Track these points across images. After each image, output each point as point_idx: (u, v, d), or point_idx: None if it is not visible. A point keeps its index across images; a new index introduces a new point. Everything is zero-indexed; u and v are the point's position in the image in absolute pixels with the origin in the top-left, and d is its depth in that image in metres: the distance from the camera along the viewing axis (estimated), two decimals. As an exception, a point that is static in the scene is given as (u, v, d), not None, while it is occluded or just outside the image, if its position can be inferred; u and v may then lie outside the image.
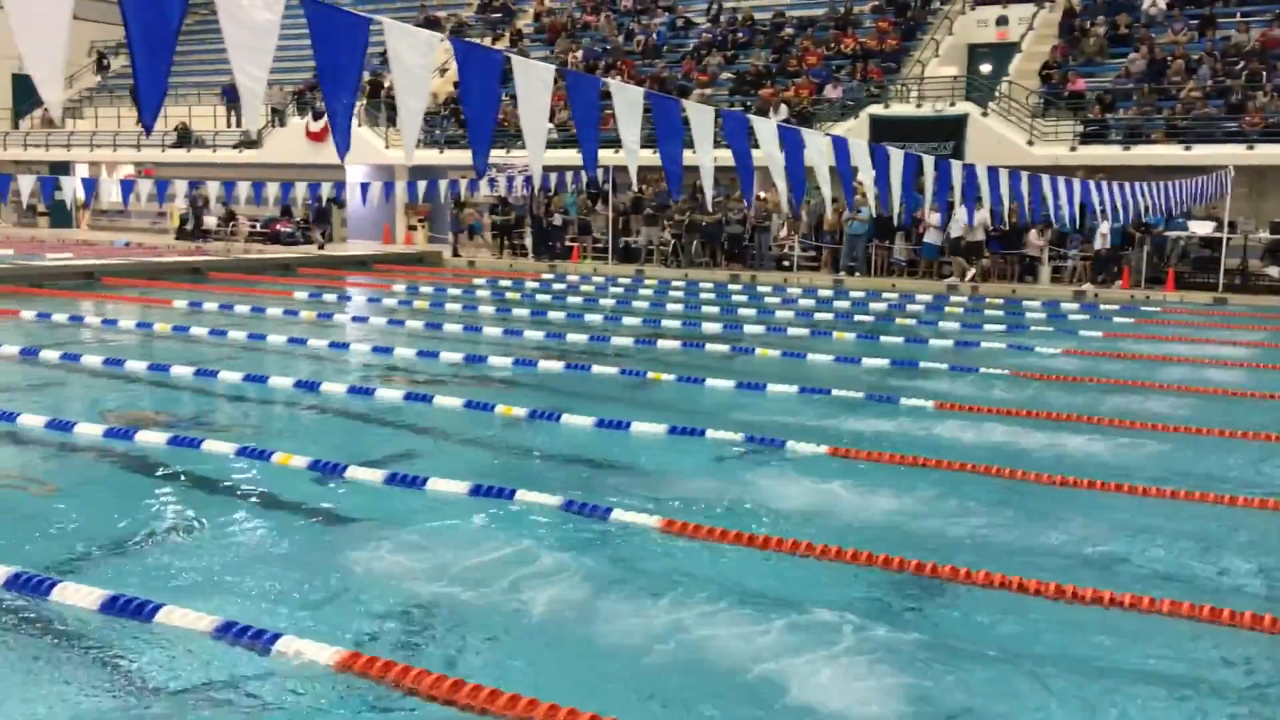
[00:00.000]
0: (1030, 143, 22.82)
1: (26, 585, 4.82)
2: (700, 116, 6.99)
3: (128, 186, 26.97)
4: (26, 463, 7.47)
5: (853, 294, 19.85)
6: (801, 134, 8.71)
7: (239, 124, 33.18)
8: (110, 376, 10.52)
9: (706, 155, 7.13)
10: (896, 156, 9.91)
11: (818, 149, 8.94)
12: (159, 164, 33.19)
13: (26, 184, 23.21)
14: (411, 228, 30.84)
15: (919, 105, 24.07)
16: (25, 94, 39.06)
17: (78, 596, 4.69)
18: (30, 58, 3.23)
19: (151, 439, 7.69)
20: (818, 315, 16.64)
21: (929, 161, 10.79)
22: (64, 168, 33.81)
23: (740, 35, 29.76)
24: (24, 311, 14.59)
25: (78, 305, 16.03)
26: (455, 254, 27.53)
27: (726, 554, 5.74)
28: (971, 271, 21.49)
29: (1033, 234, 21.04)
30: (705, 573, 5.48)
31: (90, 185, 26.64)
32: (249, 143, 31.48)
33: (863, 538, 5.93)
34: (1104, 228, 20.16)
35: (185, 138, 33.26)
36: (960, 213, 20.76)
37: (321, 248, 28.68)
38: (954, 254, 21.85)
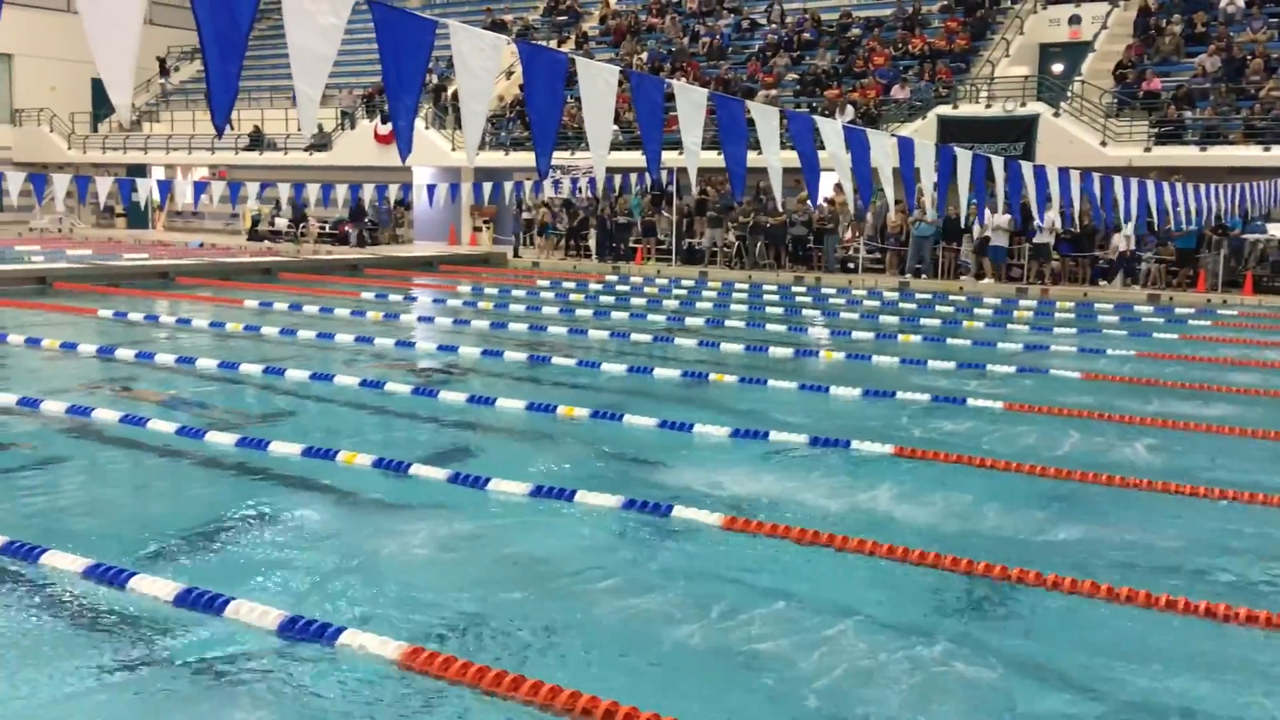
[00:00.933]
0: (1103, 143, 22.39)
1: (104, 576, 4.94)
2: (765, 118, 6.96)
3: (201, 188, 27.61)
4: (101, 458, 7.65)
5: (919, 296, 19.63)
6: (867, 135, 8.64)
7: (300, 128, 33.67)
8: (183, 374, 10.75)
9: (773, 156, 7.10)
10: (964, 158, 9.79)
11: (883, 150, 8.86)
12: (232, 166, 33.88)
13: (104, 186, 23.83)
14: (477, 229, 31.12)
15: (988, 106, 23.73)
16: (104, 99, 40.12)
17: (153, 588, 4.79)
18: (103, 64, 3.32)
19: (221, 438, 7.84)
20: (883, 318, 16.47)
21: (998, 163, 10.63)
22: (141, 170, 34.64)
23: (806, 36, 29.58)
24: (101, 310, 14.97)
25: (153, 304, 16.41)
26: (517, 254, 27.71)
27: (789, 552, 5.70)
28: (988, 276, 21.62)
29: (1118, 236, 20.61)
30: (768, 571, 5.46)
31: (165, 187, 27.28)
32: (319, 145, 31.99)
33: (930, 538, 5.87)
34: (1127, 229, 19.76)
35: (257, 140, 33.90)
36: (986, 214, 20.92)
37: (362, 244, 29.08)
38: (976, 253, 21.88)
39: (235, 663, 4.26)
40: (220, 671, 4.19)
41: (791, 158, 8.19)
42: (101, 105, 40.35)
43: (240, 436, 7.84)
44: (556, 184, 26.86)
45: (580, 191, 27.36)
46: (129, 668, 4.22)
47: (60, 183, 22.08)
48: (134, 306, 15.64)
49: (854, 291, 20.63)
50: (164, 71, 40.44)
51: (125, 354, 11.46)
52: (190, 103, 38.28)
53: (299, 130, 32.72)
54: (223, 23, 3.63)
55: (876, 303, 18.40)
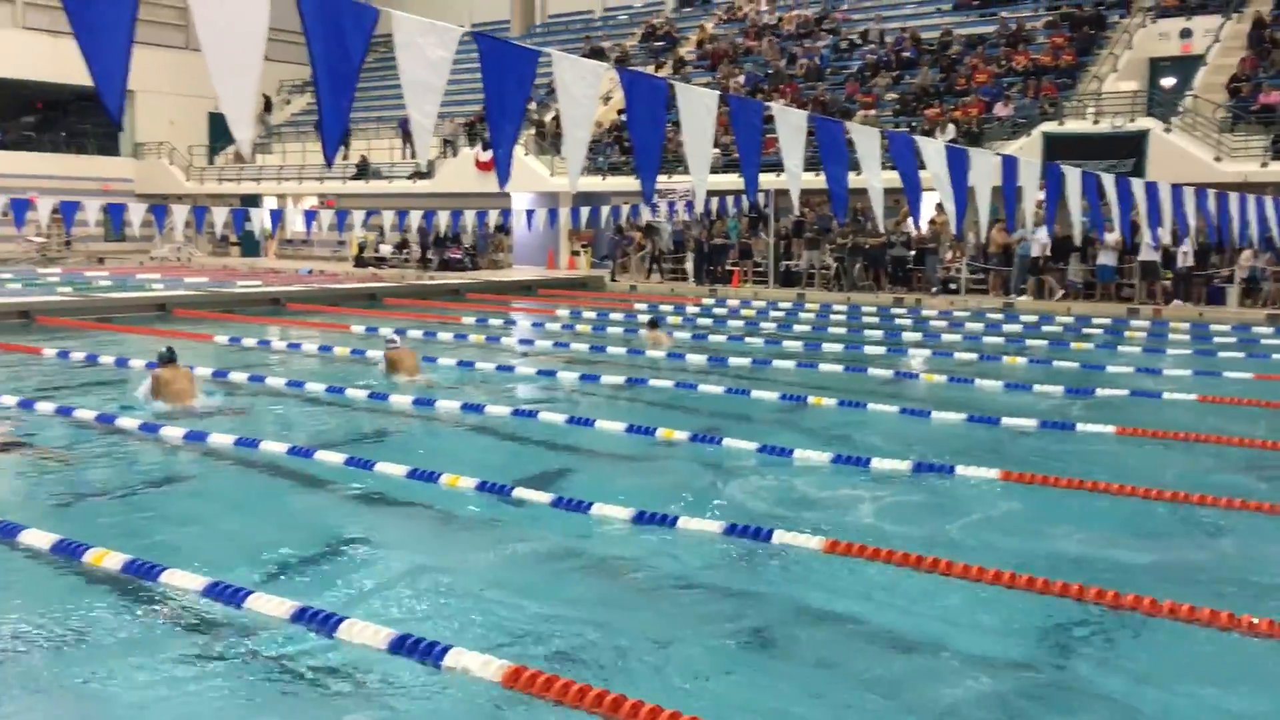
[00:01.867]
0: (1218, 159, 21.65)
1: (222, 594, 5.10)
2: (865, 138, 6.91)
3: (310, 217, 28.45)
4: (217, 479, 7.91)
5: (1024, 318, 19.19)
6: (968, 154, 8.51)
7: (413, 155, 34.55)
8: (293, 396, 11.06)
9: (874, 177, 7.05)
10: (1073, 175, 9.57)
11: (985, 169, 8.72)
12: (339, 195, 34.86)
13: (220, 216, 24.76)
14: (575, 253, 31.44)
15: (1096, 122, 23.17)
16: (220, 132, 41.72)
17: (269, 606, 4.93)
18: (225, 100, 3.47)
19: (330, 458, 8.04)
20: (987, 339, 16.15)
21: (1109, 180, 10.37)
22: (254, 200, 35.88)
23: (906, 55, 29.30)
24: (217, 336, 15.51)
25: (265, 329, 16.94)
26: (614, 278, 27.91)
27: (892, 577, 5.61)
28: (1061, 292, 21.36)
29: (1246, 254, 19.90)
30: (870, 596, 5.39)
31: (277, 216, 28.20)
32: (422, 173, 32.72)
33: (1039, 564, 5.72)
34: (1185, 245, 19.19)
35: (364, 170, 34.82)
36: (1041, 232, 21.06)
37: (426, 266, 29.67)
38: (1034, 273, 21.63)
39: (347, 680, 4.36)
40: (333, 688, 4.29)
41: (892, 178, 8.11)
42: (218, 138, 41.96)
43: (348, 457, 8.03)
44: (654, 207, 27.01)
45: (678, 215, 27.47)
46: (246, 682, 4.35)
47: (179, 213, 23.02)
48: (247, 332, 16.17)
49: (956, 313, 20.28)
50: (268, 108, 41.84)
51: (239, 377, 11.85)
52: (300, 134, 39.56)
53: (412, 158, 33.67)
54: (335, 58, 3.76)
55: (980, 324, 18.05)
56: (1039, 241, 21.05)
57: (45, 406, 9.86)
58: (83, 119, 41.34)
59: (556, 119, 30.81)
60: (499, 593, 5.43)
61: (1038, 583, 5.38)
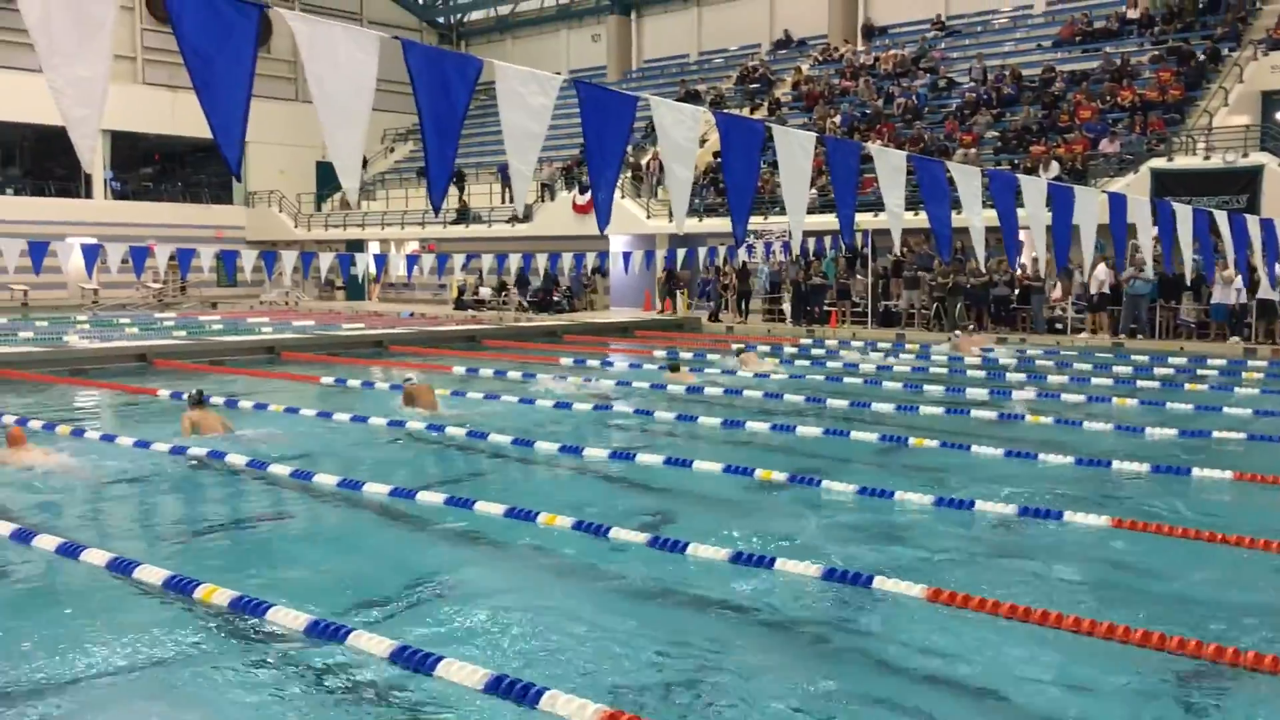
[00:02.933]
0: (1337, 193, 20.84)
1: (324, 632, 5.19)
2: (966, 177, 6.82)
3: (412, 261, 29.11)
4: (321, 518, 8.08)
5: (1135, 358, 18.62)
6: (1073, 191, 8.33)
7: (512, 200, 35.19)
8: (394, 438, 11.27)
9: (976, 216, 6.95)
10: (1184, 212, 9.30)
11: (1090, 206, 8.52)
12: (440, 240, 35.63)
13: (326, 261, 25.50)
14: (671, 295, 31.55)
15: (1207, 157, 22.51)
16: (326, 180, 43.09)
17: (369, 644, 5.00)
18: (334, 150, 3.58)
19: (431, 498, 8.15)
20: (1095, 380, 15.69)
21: (1221, 217, 10.04)
22: (358, 245, 36.88)
23: (1007, 92, 28.91)
24: (323, 377, 15.91)
25: (368, 371, 17.33)
26: (715, 318, 27.90)
27: (997, 628, 5.45)
28: (1100, 331, 21.30)
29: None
30: (973, 647, 5.23)
31: (381, 261, 28.94)
32: (520, 217, 33.28)
33: (1150, 616, 5.50)
34: (1238, 281, 18.48)
35: (464, 214, 35.56)
36: (1100, 268, 21.13)
37: (522, 309, 30.04)
38: (1092, 310, 21.77)
39: (442, 718, 4.38)
40: (429, 728, 4.32)
41: (995, 216, 7.98)
42: (324, 186, 43.33)
43: (448, 496, 8.13)
44: (750, 249, 27.02)
45: (774, 255, 27.42)
46: (344, 718, 4.41)
47: (288, 259, 23.78)
48: (352, 374, 16.56)
49: (1063, 353, 19.77)
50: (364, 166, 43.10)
51: (342, 418, 12.12)
52: (403, 181, 40.62)
53: (509, 203, 34.33)
54: (440, 108, 3.86)
55: (1088, 365, 17.56)
56: (1098, 279, 21.30)
57: (160, 446, 10.20)
58: (198, 170, 43.13)
59: (653, 162, 31.14)
60: (594, 633, 5.41)
61: (1153, 638, 5.16)
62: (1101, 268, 21.60)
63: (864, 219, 18.46)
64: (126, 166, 41.15)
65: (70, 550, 6.62)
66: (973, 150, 25.98)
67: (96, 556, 6.46)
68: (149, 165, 42.76)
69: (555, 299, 31.35)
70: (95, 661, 5.03)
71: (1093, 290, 22.20)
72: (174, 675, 4.87)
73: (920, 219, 7.80)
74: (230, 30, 3.72)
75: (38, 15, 3.52)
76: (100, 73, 3.59)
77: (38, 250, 19.41)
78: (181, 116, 38.30)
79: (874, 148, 6.31)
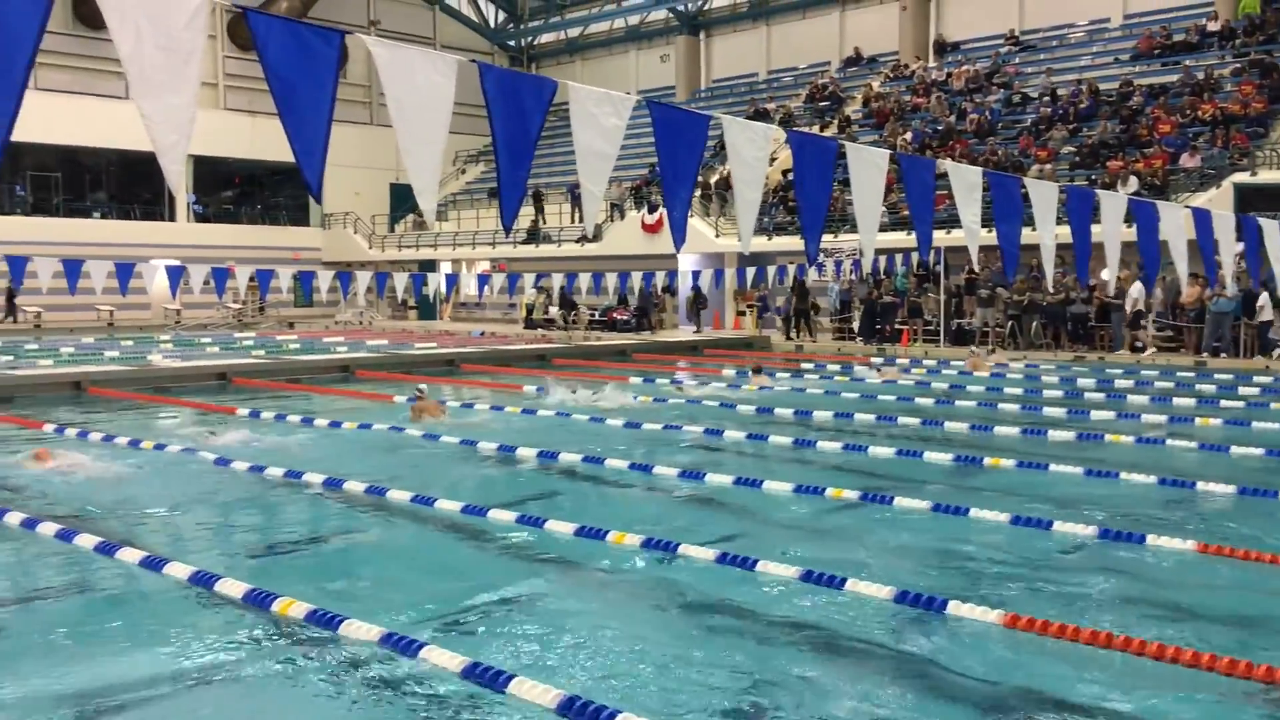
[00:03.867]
0: None
1: (397, 645, 5.25)
2: (1042, 193, 6.72)
3: (484, 280, 29.45)
4: (392, 533, 8.18)
5: (1218, 377, 18.13)
6: (1156, 207, 8.16)
7: (581, 220, 35.47)
8: (464, 457, 11.37)
9: (1047, 234, 6.83)
10: (1271, 228, 9.05)
11: (1175, 222, 8.34)
12: (510, 259, 35.99)
13: (400, 281, 25.90)
14: (740, 313, 31.50)
15: (1292, 170, 21.91)
16: (400, 201, 43.83)
17: (442, 659, 5.05)
18: (412, 172, 3.64)
19: (502, 516, 8.21)
20: (1177, 400, 15.31)
21: (1308, 231, 9.76)
22: (430, 266, 37.41)
23: (1083, 107, 28.45)
24: (396, 396, 16.13)
25: (440, 390, 17.52)
26: (790, 336, 27.78)
27: (1078, 656, 5.32)
28: (1151, 350, 21.16)
29: None
30: (1054, 676, 5.11)
31: (452, 281, 29.30)
32: (591, 237, 33.50)
33: (1238, 644, 5.33)
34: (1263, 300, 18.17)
35: (534, 234, 35.89)
36: (1135, 286, 21.19)
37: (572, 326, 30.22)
38: (1131, 327, 21.61)
39: (516, 737, 4.40)
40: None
41: (1064, 233, 7.84)
42: (397, 208, 44.06)
43: (519, 515, 8.18)
44: (820, 267, 26.88)
45: (844, 274, 27.25)
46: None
47: (362, 279, 24.20)
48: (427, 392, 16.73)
49: (1143, 372, 19.33)
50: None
51: (413, 433, 12.27)
52: (474, 201, 41.15)
53: (579, 222, 34.65)
54: (514, 130, 3.91)
55: (1169, 384, 17.14)
56: (1133, 296, 21.41)
57: (240, 465, 10.42)
58: (276, 192, 44.16)
59: (722, 180, 31.16)
60: (664, 652, 5.40)
61: (1239, 666, 5.00)
62: (1137, 285, 21.40)
63: (936, 236, 18.26)
64: (208, 190, 42.27)
65: (154, 564, 6.79)
66: (1048, 166, 25.59)
67: (179, 570, 6.61)
68: (229, 188, 43.88)
69: (624, 318, 31.46)
70: (173, 672, 5.14)
71: (1127, 309, 22.08)
72: (249, 687, 4.95)
73: (993, 236, 7.70)
74: (313, 57, 3.82)
75: (130, 47, 3.64)
76: (188, 101, 3.71)
77: (124, 271, 20.00)
78: (261, 141, 39.26)
79: (949, 164, 6.24)
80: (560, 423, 13.63)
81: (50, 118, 33.16)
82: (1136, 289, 21.51)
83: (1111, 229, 7.64)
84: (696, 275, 28.26)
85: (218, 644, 5.51)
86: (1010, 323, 23.79)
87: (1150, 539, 7.32)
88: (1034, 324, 23.33)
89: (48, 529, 7.76)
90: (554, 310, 32.93)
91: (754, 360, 16.86)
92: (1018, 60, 33.81)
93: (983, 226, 7.24)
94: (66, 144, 36.74)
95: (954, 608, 5.90)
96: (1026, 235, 7.89)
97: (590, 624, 5.90)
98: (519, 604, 6.25)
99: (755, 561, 6.73)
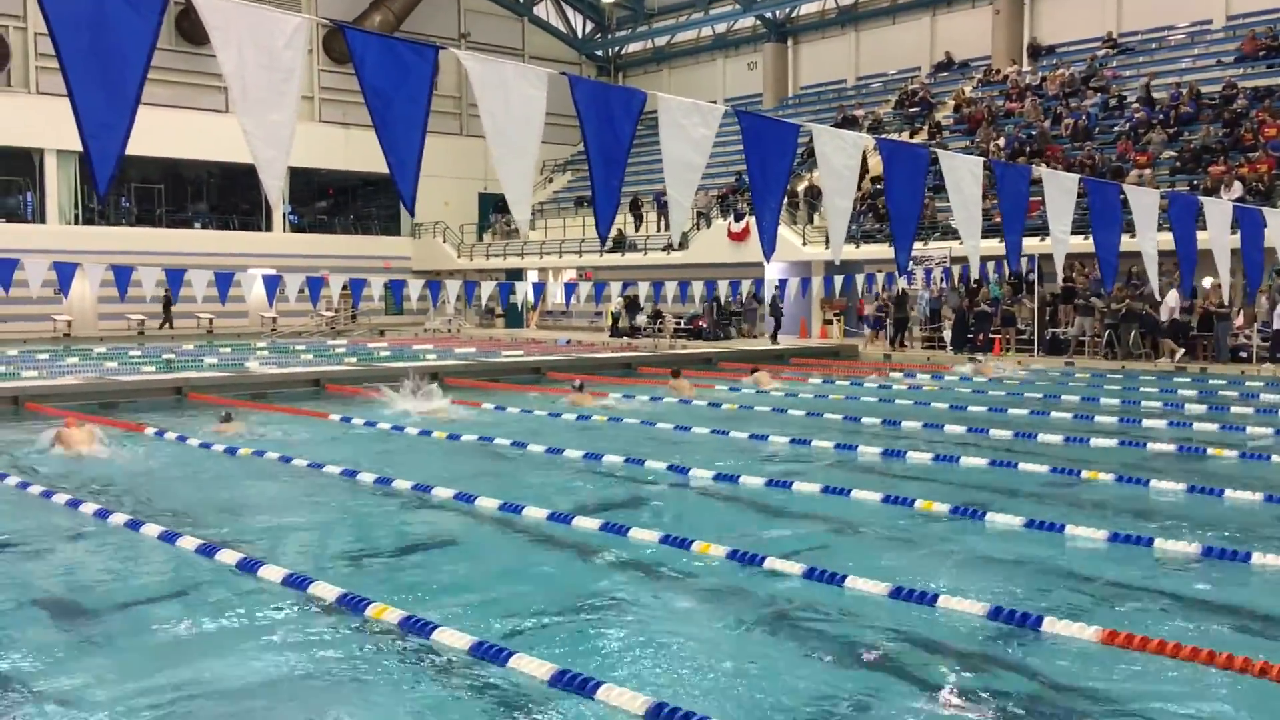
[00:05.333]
0: None
1: (488, 653, 5.30)
2: (1142, 200, 6.53)
3: (570, 289, 29.65)
4: (481, 540, 8.26)
5: (1326, 389, 17.43)
6: (1262, 213, 7.88)
7: (668, 228, 35.55)
8: (549, 465, 11.45)
9: (1149, 241, 6.63)
10: (1383, 233, 8.67)
11: (1282, 228, 8.05)
12: (596, 268, 36.19)
13: (487, 289, 26.21)
14: (827, 321, 31.22)
15: None
16: (489, 211, 44.42)
17: (530, 667, 5.08)
18: (506, 181, 3.69)
19: (587, 524, 8.24)
20: (1283, 413, 14.76)
21: None
22: (517, 274, 37.81)
23: (1185, 110, 27.63)
24: (484, 403, 16.33)
25: (525, 397, 17.69)
26: (893, 345, 27.46)
27: (1180, 675, 5.14)
28: (1180, 352, 21.20)
29: None
30: (1154, 696, 4.95)
31: (539, 289, 29.55)
32: (675, 245, 33.53)
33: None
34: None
35: (620, 243, 36.05)
36: (1171, 295, 21.09)
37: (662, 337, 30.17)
38: (1168, 335, 21.59)
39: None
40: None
41: (1165, 240, 7.61)
42: (485, 216, 44.64)
43: (604, 522, 8.20)
44: (909, 275, 26.52)
45: (934, 282, 26.84)
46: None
47: (451, 288, 24.54)
48: (510, 400, 16.94)
49: (1248, 383, 18.67)
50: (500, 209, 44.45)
51: (502, 443, 12.39)
52: (561, 210, 41.49)
53: (666, 232, 34.73)
54: (606, 140, 3.94)
55: (1276, 396, 16.53)
56: (1168, 305, 21.74)
57: (331, 470, 10.64)
58: (368, 203, 45.07)
59: (810, 189, 30.95)
60: (749, 664, 5.36)
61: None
62: (1173, 294, 21.11)
63: (1030, 243, 17.88)
64: (303, 200, 43.34)
65: (249, 566, 6.96)
66: (1148, 171, 24.90)
67: (273, 572, 6.77)
68: (323, 199, 44.93)
69: (706, 327, 31.41)
70: (263, 672, 5.26)
71: (1163, 317, 22.09)
72: (338, 690, 5.04)
73: (1090, 244, 7.51)
74: (407, 71, 3.90)
75: (234, 65, 3.76)
76: (288, 118, 3.81)
77: (223, 281, 20.57)
78: (353, 152, 40.12)
79: (1044, 171, 6.10)
80: (647, 431, 13.65)
81: (154, 131, 34.24)
82: (1173, 298, 21.83)
83: (1219, 236, 7.38)
84: (783, 284, 28.08)
85: (309, 646, 5.62)
86: (1108, 332, 23.19)
87: (1257, 557, 7.06)
88: (1132, 333, 22.70)
89: (151, 530, 8.02)
90: (640, 318, 33.01)
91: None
92: (1115, 63, 32.96)
93: (1077, 234, 7.07)
94: (169, 157, 37.96)
95: (1049, 624, 5.75)
96: (1125, 243, 7.68)
97: (674, 633, 5.89)
98: (603, 612, 6.26)
99: (844, 578, 6.64)
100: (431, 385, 16.00)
